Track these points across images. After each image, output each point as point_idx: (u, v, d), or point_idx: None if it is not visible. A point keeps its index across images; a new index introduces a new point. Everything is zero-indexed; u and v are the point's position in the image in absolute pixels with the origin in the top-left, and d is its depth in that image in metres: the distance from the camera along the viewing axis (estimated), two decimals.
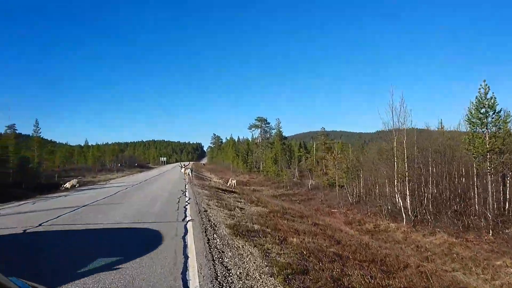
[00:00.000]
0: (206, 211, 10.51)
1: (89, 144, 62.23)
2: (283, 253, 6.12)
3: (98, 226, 7.44)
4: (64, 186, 27.40)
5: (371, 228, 17.98)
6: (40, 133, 36.09)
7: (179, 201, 12.40)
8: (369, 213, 21.79)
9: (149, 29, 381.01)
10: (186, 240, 6.25)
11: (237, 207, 13.22)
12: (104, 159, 57.87)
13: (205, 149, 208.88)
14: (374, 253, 10.17)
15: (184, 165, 26.43)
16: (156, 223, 7.93)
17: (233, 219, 9.61)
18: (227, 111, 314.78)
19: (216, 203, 13.18)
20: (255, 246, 6.36)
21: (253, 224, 9.27)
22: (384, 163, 23.64)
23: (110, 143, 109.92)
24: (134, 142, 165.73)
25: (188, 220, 8.35)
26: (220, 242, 6.37)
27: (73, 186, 27.33)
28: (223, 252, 5.69)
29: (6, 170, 30.85)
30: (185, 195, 14.95)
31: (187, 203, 11.80)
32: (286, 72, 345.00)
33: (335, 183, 39.69)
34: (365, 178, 29.50)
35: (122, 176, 37.55)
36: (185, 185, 21.59)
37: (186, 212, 9.70)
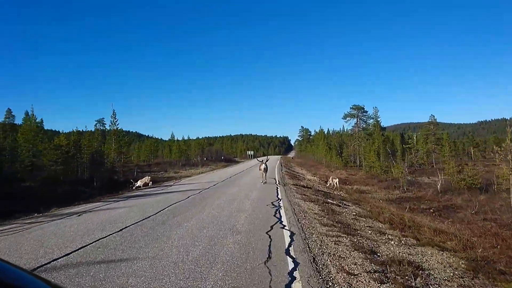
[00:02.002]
0: None
1: (175, 138, 60.34)
2: None
3: None
4: (136, 184, 23.40)
5: None
6: (117, 124, 33.02)
7: (270, 243, 5.25)
8: None
9: (236, 24, 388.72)
10: None
11: (403, 261, 5.48)
12: (189, 153, 55.02)
13: (291, 142, 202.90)
14: None
15: (262, 160, 18.93)
16: None
17: None
18: (315, 104, 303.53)
19: (353, 250, 5.63)
20: None
21: None
22: None
23: (200, 137, 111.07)
24: (222, 136, 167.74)
25: None
26: None
27: (145, 184, 23.14)
28: None
29: (79, 167, 28.16)
30: (279, 218, 7.75)
31: (291, 262, 4.52)
32: (378, 61, 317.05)
33: (476, 185, 28.53)
34: None
35: (203, 173, 32.50)
36: (277, 189, 14.49)
37: None
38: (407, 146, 55.01)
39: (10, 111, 46.24)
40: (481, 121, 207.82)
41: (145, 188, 20.12)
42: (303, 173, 40.04)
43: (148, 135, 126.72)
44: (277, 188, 15.36)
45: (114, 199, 12.12)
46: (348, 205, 14.06)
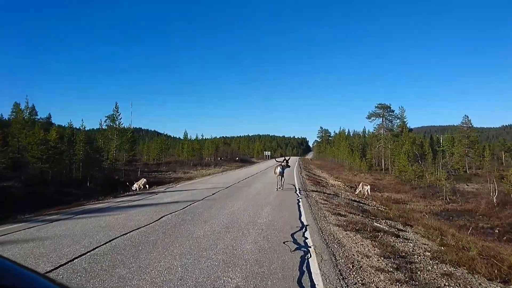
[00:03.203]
0: None
1: (189, 136, 56.31)
2: None
3: None
4: (133, 187, 19.99)
5: None
6: (120, 119, 29.22)
7: None
8: None
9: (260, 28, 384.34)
10: None
11: None
12: (203, 152, 51.06)
13: (310, 144, 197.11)
14: None
15: (281, 162, 14.78)
16: None
17: None
18: (334, 104, 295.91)
19: None
20: None
21: None
22: None
23: (218, 137, 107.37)
24: (239, 136, 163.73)
25: None
26: None
27: (141, 187, 19.53)
28: None
29: (73, 165, 24.52)
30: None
31: None
32: (399, 62, 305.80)
33: None
34: None
35: (211, 174, 28.39)
36: (298, 203, 10.08)
37: None
38: (441, 149, 49.13)
39: (18, 105, 43.69)
40: (505, 125, 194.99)
41: (141, 191, 16.43)
42: (324, 177, 35.29)
43: (166, 134, 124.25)
44: (298, 200, 10.92)
45: (53, 217, 7.94)
46: (404, 231, 9.47)
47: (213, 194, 11.91)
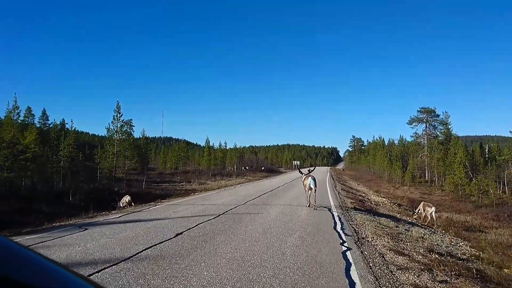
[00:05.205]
0: None
1: (211, 143, 51.23)
2: None
3: None
4: (120, 203, 15.44)
5: None
6: (121, 120, 24.66)
7: None
8: None
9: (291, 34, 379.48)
10: None
11: None
12: (226, 162, 45.88)
13: (340, 154, 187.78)
14: None
15: (306, 173, 10.91)
16: None
17: None
18: (366, 113, 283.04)
19: None
20: None
21: None
22: None
23: (246, 146, 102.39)
24: (268, 146, 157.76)
25: None
26: None
27: (129, 203, 14.78)
28: None
29: (62, 174, 19.98)
30: None
31: None
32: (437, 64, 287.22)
33: None
34: None
35: (227, 186, 22.98)
36: (349, 274, 4.17)
37: None
38: (501, 158, 40.46)
39: (29, 110, 41.18)
40: None
41: (130, 208, 11.39)
42: (363, 191, 28.65)
43: (197, 143, 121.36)
44: (346, 256, 5.06)
45: None
46: None
47: (181, 232, 6.12)
